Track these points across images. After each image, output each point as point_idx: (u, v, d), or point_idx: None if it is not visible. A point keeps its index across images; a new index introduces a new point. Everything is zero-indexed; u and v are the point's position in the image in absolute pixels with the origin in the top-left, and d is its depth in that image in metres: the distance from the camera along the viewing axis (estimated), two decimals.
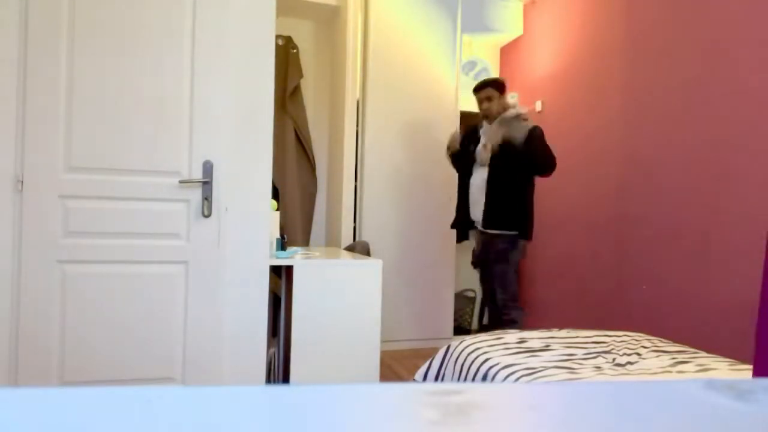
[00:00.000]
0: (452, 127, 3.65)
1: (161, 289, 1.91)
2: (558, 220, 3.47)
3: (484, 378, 1.60)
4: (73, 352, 1.83)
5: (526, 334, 1.95)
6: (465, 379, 1.71)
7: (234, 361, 2.00)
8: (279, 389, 0.28)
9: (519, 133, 2.78)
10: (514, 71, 4.13)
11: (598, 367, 1.60)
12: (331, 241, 3.70)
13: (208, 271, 1.96)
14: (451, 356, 1.87)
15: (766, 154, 2.08)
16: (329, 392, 0.27)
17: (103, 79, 1.85)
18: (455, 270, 3.71)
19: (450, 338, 3.51)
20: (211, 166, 1.94)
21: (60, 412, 0.24)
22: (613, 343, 1.88)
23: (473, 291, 4.19)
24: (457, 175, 3.22)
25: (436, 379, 1.92)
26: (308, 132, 3.78)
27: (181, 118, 1.92)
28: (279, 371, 2.38)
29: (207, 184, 1.94)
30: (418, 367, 2.15)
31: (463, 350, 1.82)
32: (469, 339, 1.90)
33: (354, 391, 0.28)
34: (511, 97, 4.01)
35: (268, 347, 2.11)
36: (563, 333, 1.97)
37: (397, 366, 3.11)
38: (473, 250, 3.07)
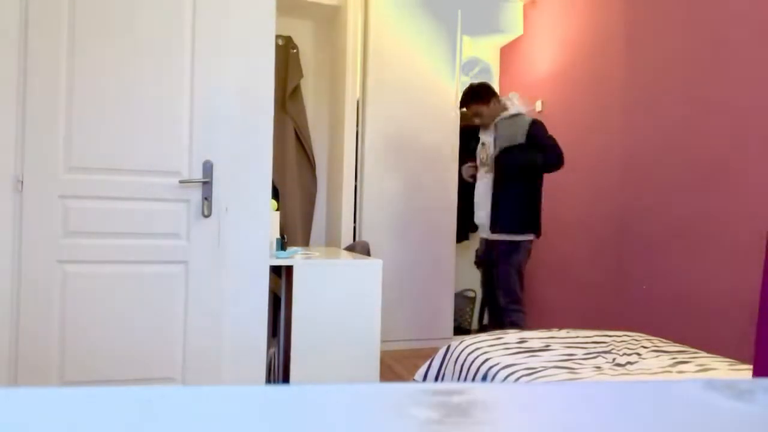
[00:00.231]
0: (453, 127, 3.65)
1: (161, 289, 1.91)
2: (558, 220, 3.47)
3: (484, 378, 1.60)
4: (73, 352, 1.83)
5: (526, 334, 1.94)
6: (465, 379, 1.71)
7: (234, 361, 2.00)
8: (279, 389, 0.28)
9: (519, 131, 2.73)
10: (514, 71, 4.13)
11: (598, 367, 1.60)
12: (331, 241, 3.70)
13: (208, 271, 1.96)
14: (451, 356, 1.87)
15: (766, 153, 2.08)
16: (329, 392, 0.28)
17: (103, 79, 1.85)
18: (455, 270, 3.71)
19: (450, 338, 3.51)
20: (211, 166, 1.94)
21: (60, 412, 0.24)
22: (613, 343, 1.88)
23: (473, 291, 4.19)
24: (457, 176, 3.23)
25: (436, 379, 1.92)
26: (308, 132, 3.78)
27: (181, 118, 1.92)
28: (279, 371, 2.38)
29: (207, 184, 1.94)
30: (418, 367, 2.14)
31: (463, 350, 1.82)
32: (469, 339, 1.90)
33: (354, 391, 0.28)
34: (514, 98, 4.01)
35: (268, 347, 2.11)
36: (563, 333, 1.97)
37: (397, 366, 3.11)
38: (476, 251, 3.06)
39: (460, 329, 3.93)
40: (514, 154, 2.71)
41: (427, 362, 1.99)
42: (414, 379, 2.24)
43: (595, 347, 1.82)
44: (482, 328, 4.18)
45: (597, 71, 3.13)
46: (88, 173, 1.84)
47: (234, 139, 1.99)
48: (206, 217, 1.94)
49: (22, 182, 1.78)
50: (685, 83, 2.48)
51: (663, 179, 2.60)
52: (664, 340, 1.92)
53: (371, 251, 3.14)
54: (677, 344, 1.88)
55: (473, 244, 4.11)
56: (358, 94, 3.51)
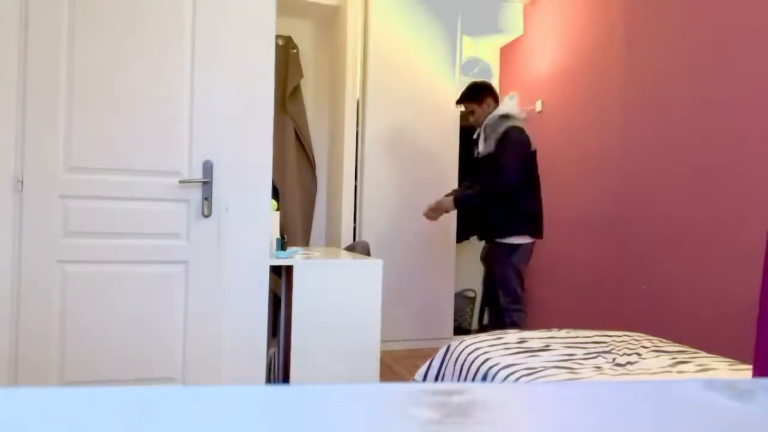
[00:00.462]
0: (453, 127, 3.65)
1: (161, 289, 1.91)
2: (558, 220, 3.47)
3: (484, 378, 1.60)
4: (73, 352, 1.83)
5: (526, 334, 1.94)
6: (465, 379, 1.71)
7: (234, 361, 2.00)
8: (279, 389, 0.28)
9: (495, 138, 2.65)
10: (514, 71, 4.13)
11: (598, 367, 1.60)
12: (331, 241, 3.70)
13: (208, 271, 1.96)
14: (451, 356, 1.87)
15: (766, 153, 2.08)
16: (329, 392, 0.28)
17: (103, 79, 1.85)
18: (455, 270, 3.71)
19: (450, 338, 3.51)
20: (211, 166, 1.94)
21: (60, 412, 0.24)
22: (613, 343, 1.88)
23: (473, 291, 4.19)
24: (457, 176, 3.23)
25: (436, 379, 1.92)
26: (308, 132, 3.78)
27: (181, 118, 1.92)
28: (279, 371, 2.38)
29: (207, 184, 1.94)
30: (418, 367, 2.14)
31: (463, 350, 1.82)
32: (469, 339, 1.90)
33: (354, 391, 0.28)
34: (511, 98, 4.01)
35: (268, 347, 2.11)
36: (563, 333, 1.97)
37: (397, 366, 3.11)
38: (484, 246, 3.03)
39: (460, 329, 3.93)
40: (467, 197, 2.76)
41: (427, 362, 1.99)
42: (414, 379, 2.24)
43: (595, 347, 1.82)
44: (482, 328, 4.18)
45: (597, 71, 3.13)
46: (88, 173, 1.84)
47: (234, 139, 1.99)
48: (206, 217, 1.94)
49: (22, 182, 1.78)
50: (685, 83, 2.48)
51: (663, 179, 2.60)
52: (664, 340, 1.92)
53: (371, 251, 3.14)
54: (677, 344, 1.87)
55: (473, 244, 4.12)
56: (358, 94, 3.51)
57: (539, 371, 1.52)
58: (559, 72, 3.53)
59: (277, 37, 2.49)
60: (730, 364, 1.60)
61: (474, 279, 4.20)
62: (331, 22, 3.83)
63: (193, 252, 1.94)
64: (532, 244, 2.72)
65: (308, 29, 3.85)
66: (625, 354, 1.74)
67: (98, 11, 1.84)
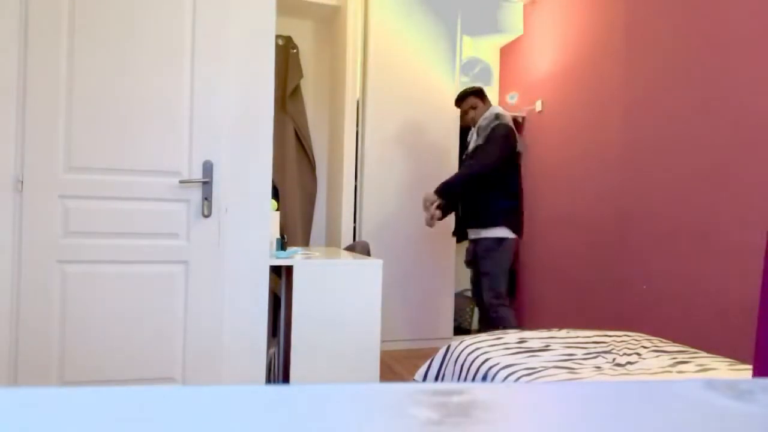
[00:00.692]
0: (453, 126, 3.65)
1: (161, 289, 1.91)
2: (558, 220, 3.47)
3: (484, 378, 1.60)
4: (73, 352, 1.83)
5: (526, 334, 1.95)
6: (465, 379, 1.71)
7: (234, 361, 2.00)
8: (279, 389, 0.28)
9: (485, 133, 2.79)
10: (514, 71, 4.13)
11: (598, 367, 1.60)
12: (331, 241, 3.70)
13: (208, 271, 1.96)
14: (451, 356, 1.87)
15: (766, 153, 2.08)
16: (329, 392, 0.28)
17: (103, 79, 1.85)
18: (455, 270, 3.71)
19: (450, 338, 3.51)
20: (211, 166, 1.94)
21: (60, 412, 0.24)
22: (613, 343, 1.88)
23: None
24: None
25: (436, 379, 1.92)
26: (308, 132, 3.78)
27: (181, 118, 1.92)
28: (279, 371, 2.38)
29: (207, 184, 1.94)
30: (418, 367, 2.14)
31: (463, 350, 1.82)
32: (469, 339, 1.90)
33: (354, 391, 0.28)
34: (510, 98, 4.02)
35: (268, 347, 2.11)
36: (563, 333, 1.97)
37: (397, 366, 3.11)
38: (467, 249, 3.09)
39: (460, 329, 3.93)
40: (447, 181, 2.80)
41: (427, 362, 1.99)
42: (414, 379, 2.24)
43: (595, 347, 1.82)
44: (482, 328, 4.18)
45: (597, 71, 3.13)
46: (88, 173, 1.84)
47: (234, 139, 1.99)
48: (206, 217, 1.94)
49: (22, 182, 1.78)
50: (685, 83, 2.48)
51: (663, 179, 2.60)
52: (664, 340, 1.92)
53: (371, 251, 3.14)
54: (677, 344, 1.88)
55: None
56: (358, 94, 3.51)
57: (539, 371, 1.52)
58: (559, 72, 3.53)
59: (277, 37, 2.50)
60: (730, 364, 1.61)
61: None
62: (331, 22, 3.83)
63: (193, 252, 1.94)
64: (515, 241, 2.78)
65: (308, 29, 3.85)
66: (625, 354, 1.74)
67: (98, 11, 1.84)
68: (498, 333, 1.98)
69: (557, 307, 3.46)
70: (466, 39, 4.06)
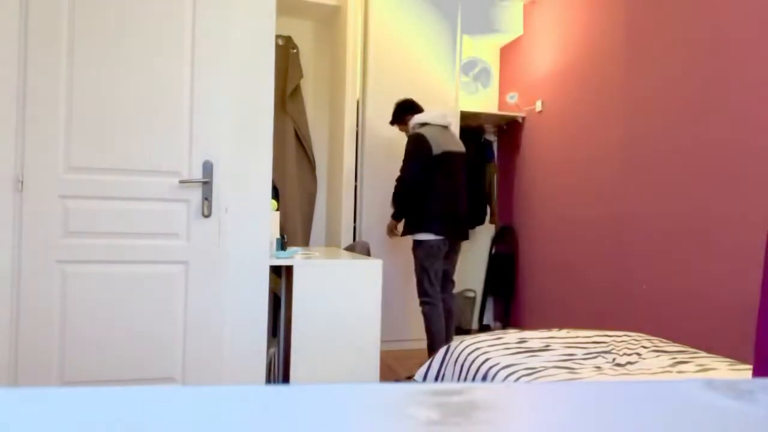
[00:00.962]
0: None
1: (161, 289, 1.91)
2: (558, 220, 3.47)
3: (484, 378, 1.60)
4: (73, 352, 1.83)
5: (526, 334, 1.95)
6: (465, 379, 1.71)
7: (234, 361, 2.00)
8: (279, 389, 0.28)
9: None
10: (514, 71, 4.13)
11: (598, 367, 1.60)
12: (331, 241, 3.70)
13: (208, 271, 1.96)
14: (451, 356, 1.87)
15: (766, 153, 2.08)
16: (329, 392, 0.28)
17: (103, 79, 1.85)
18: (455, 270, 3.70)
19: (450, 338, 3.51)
20: (211, 166, 1.94)
21: (60, 412, 0.24)
22: (613, 343, 1.88)
23: (473, 291, 4.19)
24: None
25: (436, 379, 1.92)
26: (308, 132, 3.78)
27: (181, 118, 1.92)
28: (279, 371, 2.38)
29: (207, 184, 1.94)
30: (418, 367, 2.14)
31: (463, 350, 1.82)
32: (469, 339, 1.90)
33: (354, 391, 0.28)
34: (510, 98, 4.02)
35: (268, 347, 2.11)
36: (563, 333, 1.97)
37: (397, 366, 3.11)
38: None
39: (460, 329, 3.93)
40: (393, 206, 2.97)
41: (427, 362, 1.99)
42: (414, 379, 2.24)
43: (595, 347, 1.82)
44: (482, 328, 4.19)
45: (597, 71, 3.13)
46: (88, 173, 1.84)
47: (234, 139, 1.99)
48: (206, 217, 1.94)
49: (22, 182, 1.78)
50: (685, 83, 2.48)
51: (663, 179, 2.60)
52: (664, 340, 1.92)
53: (371, 251, 3.14)
54: (677, 344, 1.88)
55: (472, 243, 4.12)
56: (358, 94, 3.51)
57: (539, 371, 1.52)
58: (559, 72, 3.53)
59: (277, 37, 2.50)
60: (730, 364, 1.61)
61: (474, 279, 4.21)
62: (331, 22, 3.83)
63: (193, 252, 1.94)
64: (439, 242, 2.79)
65: (308, 29, 3.85)
66: (625, 354, 1.74)
67: (98, 11, 1.84)
68: (498, 333, 1.98)
69: (557, 307, 3.47)
70: (466, 39, 4.06)
